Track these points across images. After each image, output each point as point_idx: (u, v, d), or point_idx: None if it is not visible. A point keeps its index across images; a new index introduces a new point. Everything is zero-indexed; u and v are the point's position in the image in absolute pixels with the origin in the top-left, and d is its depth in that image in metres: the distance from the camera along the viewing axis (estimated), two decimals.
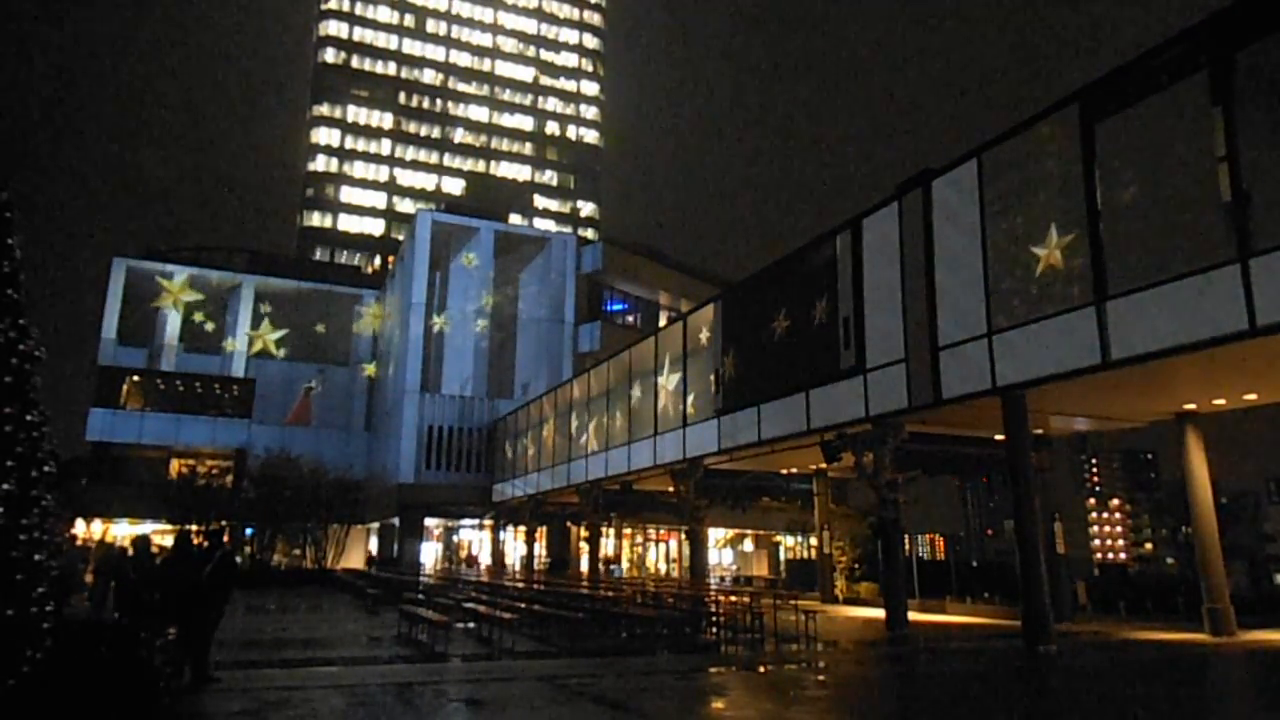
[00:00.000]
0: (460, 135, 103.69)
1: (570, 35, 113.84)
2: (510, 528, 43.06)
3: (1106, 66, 13.96)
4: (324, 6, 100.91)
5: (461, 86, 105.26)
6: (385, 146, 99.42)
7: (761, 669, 13.00)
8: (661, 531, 44.75)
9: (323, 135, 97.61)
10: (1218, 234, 11.75)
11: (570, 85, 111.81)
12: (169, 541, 17.84)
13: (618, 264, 50.06)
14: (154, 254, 58.75)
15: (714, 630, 17.41)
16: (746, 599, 19.29)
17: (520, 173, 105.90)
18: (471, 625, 18.21)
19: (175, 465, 51.28)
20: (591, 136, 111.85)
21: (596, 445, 31.11)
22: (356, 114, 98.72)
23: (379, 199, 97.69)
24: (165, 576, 11.04)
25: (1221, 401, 16.75)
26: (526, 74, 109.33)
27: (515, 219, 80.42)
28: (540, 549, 41.52)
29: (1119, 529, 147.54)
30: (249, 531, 41.41)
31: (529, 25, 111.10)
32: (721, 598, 19.95)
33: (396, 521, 43.47)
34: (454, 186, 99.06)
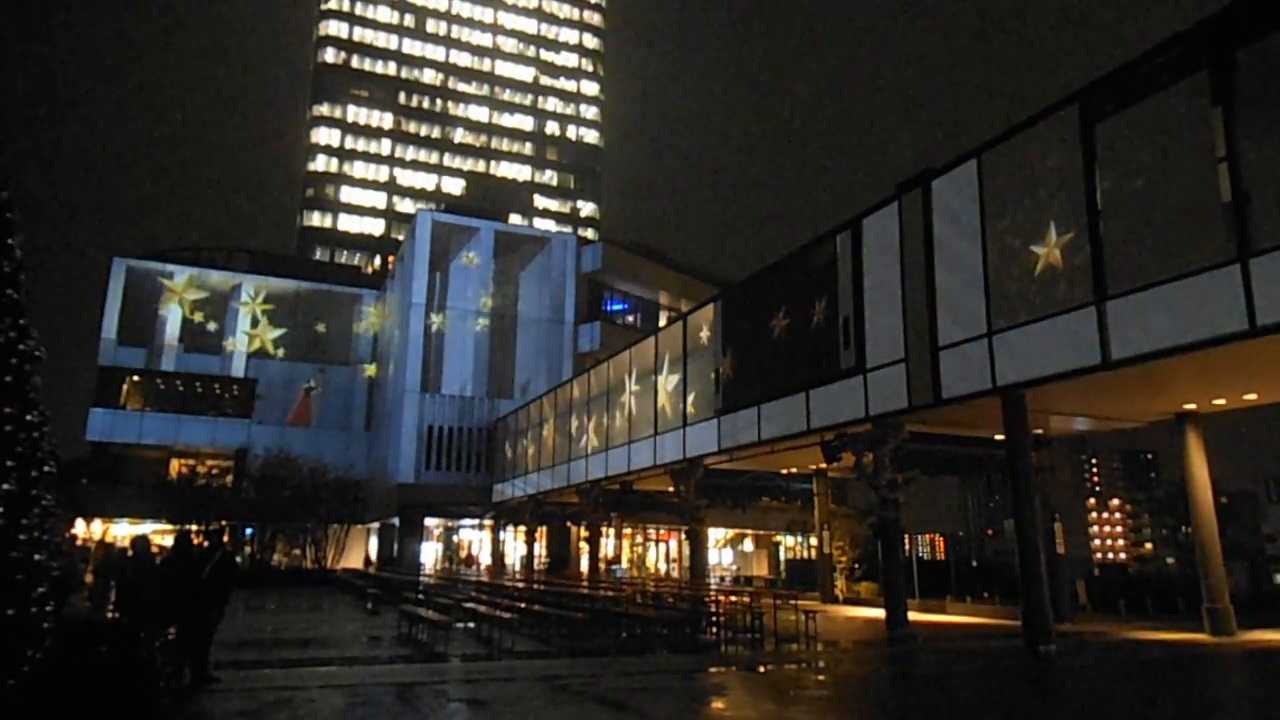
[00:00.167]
0: (460, 135, 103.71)
1: (570, 35, 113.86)
2: (510, 528, 43.06)
3: (1106, 66, 13.97)
4: (324, 6, 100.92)
5: (461, 86, 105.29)
6: (385, 146, 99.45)
7: (761, 669, 13.00)
8: (661, 531, 44.75)
9: (323, 135, 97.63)
10: (1218, 234, 11.75)
11: (570, 85, 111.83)
12: (169, 541, 17.85)
13: (618, 264, 50.07)
14: (154, 254, 58.77)
15: (714, 630, 17.41)
16: (746, 599, 19.28)
17: (520, 173, 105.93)
18: (471, 625, 18.21)
19: (175, 465, 51.28)
20: (591, 136, 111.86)
21: (596, 445, 31.11)
22: (356, 114, 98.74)
23: (379, 199, 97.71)
24: (165, 576, 11.04)
25: (1221, 401, 16.75)
26: (526, 74, 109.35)
27: (515, 219, 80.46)
28: (540, 549, 41.52)
29: (1119, 529, 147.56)
30: (249, 531, 41.42)
31: (529, 25, 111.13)
32: (721, 597, 19.95)
33: (396, 521, 43.48)
34: (454, 186, 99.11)
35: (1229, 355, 12.30)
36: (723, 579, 39.79)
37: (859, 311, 18.26)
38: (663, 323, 43.61)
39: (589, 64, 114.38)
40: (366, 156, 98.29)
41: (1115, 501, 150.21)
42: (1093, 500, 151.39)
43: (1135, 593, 22.29)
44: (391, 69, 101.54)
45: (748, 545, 48.52)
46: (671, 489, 27.51)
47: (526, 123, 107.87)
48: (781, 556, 47.22)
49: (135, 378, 53.73)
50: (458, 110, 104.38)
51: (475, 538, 48.98)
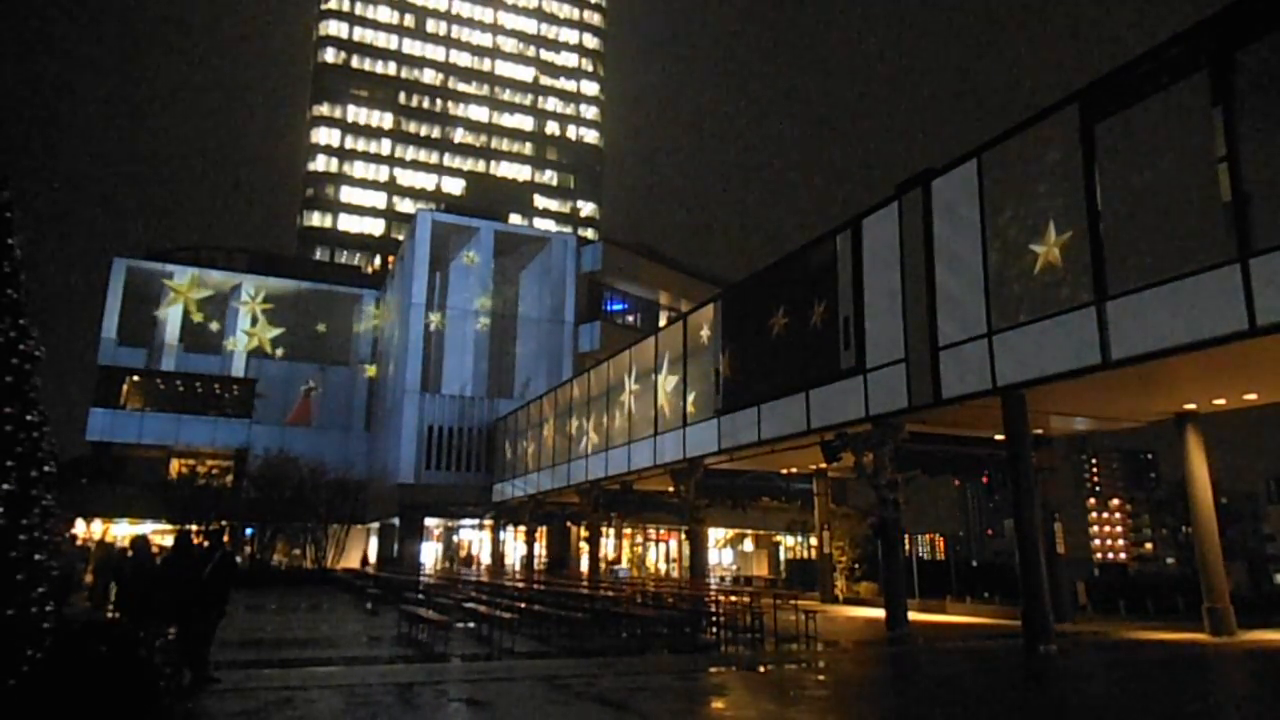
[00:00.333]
0: (460, 135, 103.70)
1: (570, 35, 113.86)
2: (510, 528, 43.06)
3: (1106, 67, 13.97)
4: (324, 6, 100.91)
5: (461, 86, 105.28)
6: (385, 146, 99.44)
7: (761, 669, 13.00)
8: (661, 531, 44.74)
9: (323, 135, 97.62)
10: (1218, 234, 11.75)
11: (570, 85, 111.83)
12: (169, 541, 17.86)
13: (618, 264, 50.07)
14: (154, 254, 58.83)
15: (714, 630, 17.41)
16: (746, 599, 19.29)
17: (520, 173, 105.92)
18: (471, 625, 18.21)
19: (175, 465, 51.31)
20: (591, 136, 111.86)
21: (596, 445, 31.11)
22: (356, 114, 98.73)
23: (379, 199, 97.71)
24: (165, 576, 11.05)
25: (1221, 401, 16.75)
26: (526, 74, 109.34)
27: (515, 219, 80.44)
28: (540, 549, 41.53)
29: (1119, 529, 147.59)
30: (249, 531, 41.41)
31: (529, 25, 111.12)
32: (721, 597, 19.95)
33: (396, 521, 43.49)
34: (454, 186, 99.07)
35: (1229, 355, 12.30)
36: (723, 579, 39.79)
37: (859, 311, 18.26)
38: (663, 323, 43.61)
39: (589, 64, 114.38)
40: (366, 156, 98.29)
41: (1115, 501, 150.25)
42: (1093, 500, 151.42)
43: (1135, 593, 22.33)
44: (391, 69, 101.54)
45: (748, 545, 48.51)
46: (671, 489, 27.51)
47: (526, 123, 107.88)
48: (781, 556, 47.23)
49: (135, 378, 53.74)
50: (458, 110, 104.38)
51: (475, 538, 48.98)
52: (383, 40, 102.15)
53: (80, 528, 41.07)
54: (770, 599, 19.60)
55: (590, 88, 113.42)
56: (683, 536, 40.51)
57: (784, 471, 29.32)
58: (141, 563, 12.78)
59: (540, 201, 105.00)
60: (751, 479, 30.87)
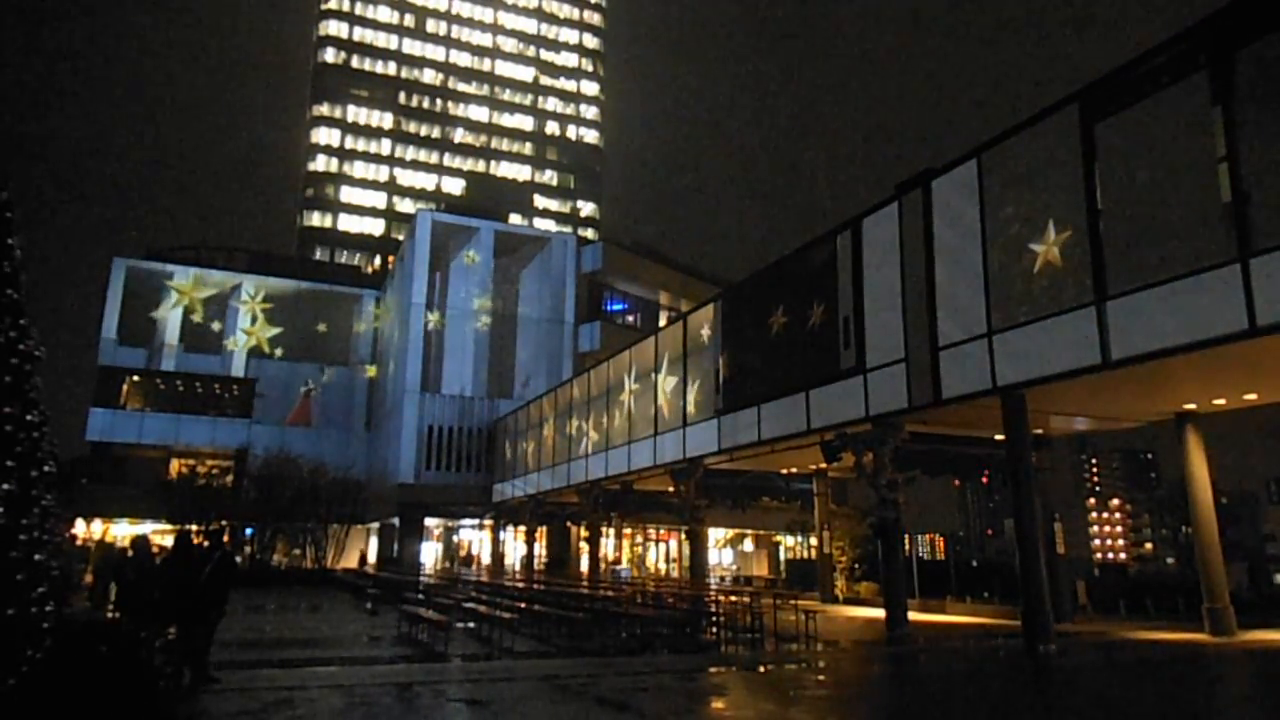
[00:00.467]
0: (460, 135, 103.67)
1: (570, 35, 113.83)
2: (510, 528, 43.06)
3: (1106, 67, 13.97)
4: (324, 6, 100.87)
5: (461, 86, 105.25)
6: (385, 146, 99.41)
7: (761, 669, 13.00)
8: (661, 531, 44.74)
9: (323, 135, 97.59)
10: (1218, 234, 11.75)
11: (570, 85, 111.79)
12: (169, 541, 17.85)
13: (618, 264, 50.07)
14: (154, 254, 58.83)
15: (714, 630, 17.41)
16: (746, 599, 19.28)
17: (520, 173, 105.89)
18: (471, 625, 18.21)
19: (175, 465, 51.30)
20: (591, 136, 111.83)
21: (596, 445, 31.11)
22: (356, 114, 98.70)
23: (379, 199, 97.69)
24: (165, 576, 11.04)
25: (1221, 401, 16.75)
26: (526, 74, 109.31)
27: (515, 219, 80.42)
28: (540, 549, 41.52)
29: (1119, 529, 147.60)
30: (249, 531, 41.41)
31: (529, 25, 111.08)
32: (721, 598, 19.95)
33: (396, 521, 43.48)
34: (454, 186, 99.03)
35: (1229, 355, 12.30)
36: (723, 579, 39.79)
37: (859, 311, 18.26)
38: (663, 323, 43.61)
39: (589, 64, 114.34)
40: (366, 156, 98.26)
41: (1115, 501, 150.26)
42: (1093, 500, 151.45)
43: (1135, 593, 22.31)
44: (391, 69, 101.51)
45: (748, 545, 48.51)
46: (671, 489, 27.51)
47: (526, 123, 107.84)
48: (781, 556, 47.22)
49: (135, 378, 53.74)
50: (458, 110, 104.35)
51: (475, 538, 48.98)
52: (383, 40, 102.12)
53: (80, 528, 41.07)
54: (770, 599, 19.61)
55: (590, 88, 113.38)
56: (683, 536, 40.50)
57: (784, 471, 29.31)
58: (142, 563, 12.78)
59: (540, 201, 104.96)
60: (751, 479, 30.85)
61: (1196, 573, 17.88)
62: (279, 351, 57.81)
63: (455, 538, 49.01)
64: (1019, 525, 14.97)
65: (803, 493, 33.59)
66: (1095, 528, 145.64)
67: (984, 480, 26.33)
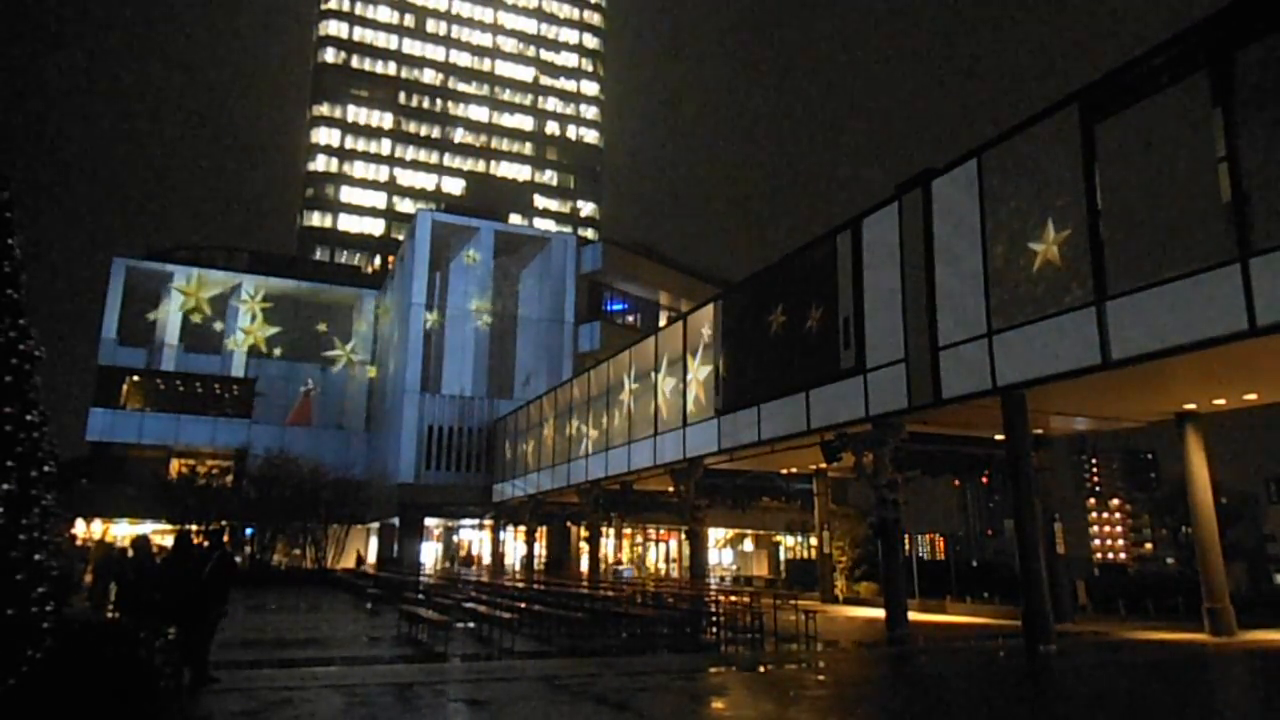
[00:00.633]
0: (460, 135, 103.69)
1: (570, 35, 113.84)
2: (510, 528, 43.06)
3: (1106, 67, 13.97)
4: (324, 6, 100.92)
5: (461, 86, 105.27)
6: (385, 146, 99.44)
7: (761, 669, 13.00)
8: (661, 531, 44.75)
9: (323, 135, 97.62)
10: (1218, 234, 11.75)
11: (570, 85, 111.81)
12: (169, 541, 17.85)
13: (618, 264, 50.07)
14: (154, 254, 58.81)
15: (714, 630, 17.41)
16: (746, 599, 19.28)
17: (520, 173, 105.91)
18: (471, 625, 18.21)
19: (175, 465, 51.27)
20: (591, 136, 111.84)
21: (596, 445, 31.11)
22: (356, 114, 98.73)
23: (379, 199, 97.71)
24: (165, 576, 11.04)
25: (1221, 401, 16.75)
26: (526, 74, 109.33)
27: (515, 219, 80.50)
28: (540, 549, 41.52)
29: (1119, 529, 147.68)
30: (249, 531, 41.41)
31: (529, 25, 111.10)
32: (721, 598, 19.96)
33: (396, 521, 43.48)
34: (454, 186, 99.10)
35: (1229, 355, 12.29)
36: (723, 579, 39.79)
37: (859, 311, 18.26)
38: (663, 323, 43.61)
39: (589, 64, 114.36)
40: (366, 156, 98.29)
41: (1115, 501, 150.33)
42: (1093, 500, 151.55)
43: (1135, 593, 22.31)
44: (391, 69, 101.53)
45: (748, 545, 48.52)
46: (671, 489, 27.51)
47: (526, 123, 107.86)
48: (781, 556, 47.22)
49: (135, 378, 53.73)
50: (458, 110, 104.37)
51: (475, 538, 48.98)
52: (383, 40, 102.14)
53: (80, 528, 41.07)
54: (770, 599, 19.60)
55: (590, 88, 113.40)
56: (683, 536, 40.51)
57: (784, 471, 29.31)
58: (142, 563, 12.78)
59: (540, 201, 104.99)
60: (751, 479, 30.86)
61: (1196, 573, 17.87)
62: (278, 351, 57.81)
63: (455, 538, 49.00)
64: (1019, 525, 14.96)
65: (803, 493, 33.61)
66: (1095, 528, 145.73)
67: (984, 480, 26.34)
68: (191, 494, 39.47)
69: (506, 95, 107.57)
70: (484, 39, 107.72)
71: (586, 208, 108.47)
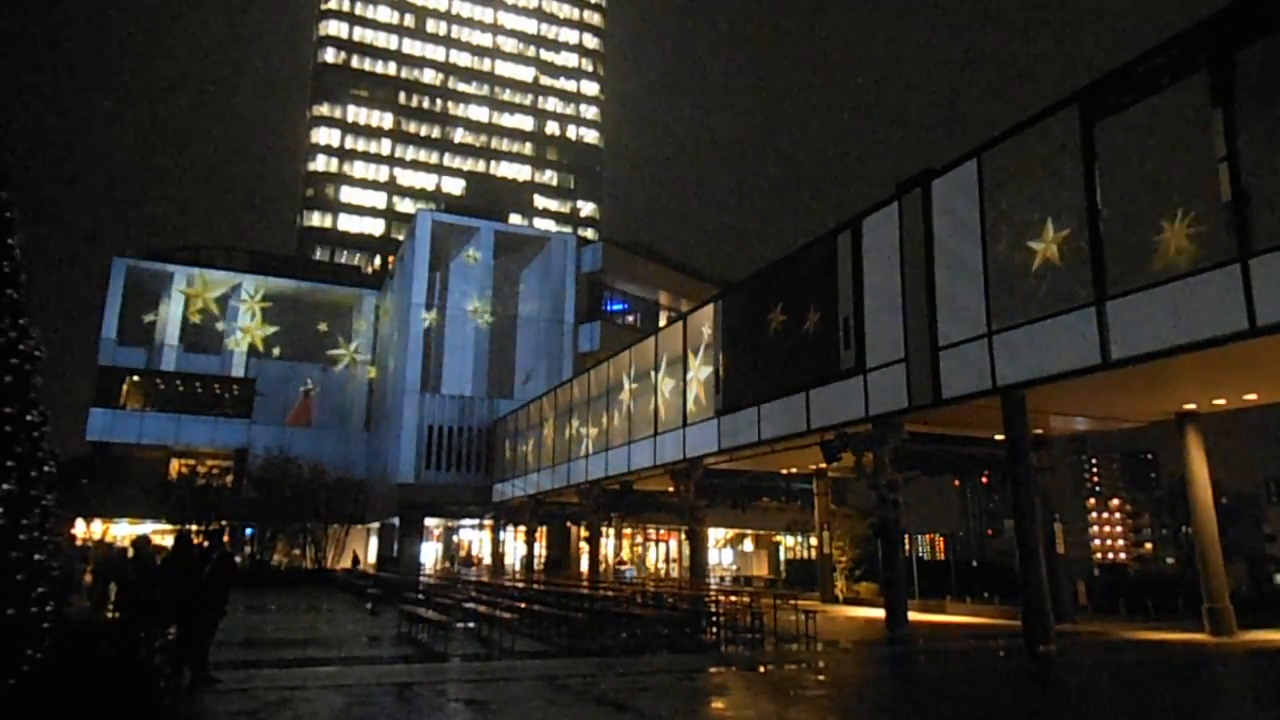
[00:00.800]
0: (460, 135, 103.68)
1: (570, 35, 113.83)
2: (510, 528, 43.06)
3: (1106, 67, 13.96)
4: (324, 6, 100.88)
5: (461, 86, 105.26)
6: (385, 146, 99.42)
7: (761, 669, 13.00)
8: (661, 531, 44.76)
9: (323, 135, 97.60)
10: (1218, 234, 11.75)
11: (570, 85, 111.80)
12: (169, 541, 17.84)
13: (618, 264, 50.07)
14: (154, 254, 58.80)
15: (714, 630, 17.40)
16: (746, 599, 19.28)
17: (520, 173, 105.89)
18: (471, 625, 18.21)
19: (175, 465, 51.29)
20: (591, 136, 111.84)
21: (596, 445, 31.11)
22: (356, 114, 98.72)
23: (379, 199, 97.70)
24: (165, 576, 11.04)
25: (1221, 401, 16.75)
26: (526, 74, 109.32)
27: (515, 219, 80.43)
28: (540, 549, 41.52)
29: (1119, 529, 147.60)
30: (249, 531, 41.41)
31: (529, 25, 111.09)
32: (721, 598, 19.94)
33: (396, 521, 43.47)
34: (454, 186, 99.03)
35: (1229, 355, 12.29)
36: (723, 579, 39.79)
37: (859, 311, 18.26)
38: (663, 323, 43.61)
39: (589, 64, 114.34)
40: (366, 156, 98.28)
41: (1115, 501, 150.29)
42: (1093, 500, 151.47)
43: (1135, 593, 22.31)
44: (391, 69, 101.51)
45: (748, 545, 48.52)
46: (671, 489, 27.51)
47: (526, 123, 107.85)
48: (781, 556, 47.22)
49: (135, 378, 53.73)
50: (458, 110, 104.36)
51: (475, 538, 48.97)
52: (383, 40, 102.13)
53: (80, 528, 41.06)
54: (770, 599, 19.60)
55: (590, 88, 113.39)
56: (683, 536, 40.51)
57: (784, 471, 29.31)
58: (142, 563, 12.78)
59: (540, 201, 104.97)
60: (751, 479, 30.87)
61: (1196, 573, 17.88)
62: (276, 350, 57.79)
63: (455, 538, 48.99)
64: (1019, 525, 14.96)
65: (803, 493, 33.60)
66: (1095, 528, 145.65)
67: (984, 480, 26.35)
68: (191, 494, 39.47)
69: (506, 95, 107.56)
70: (484, 39, 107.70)
71: (586, 208, 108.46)
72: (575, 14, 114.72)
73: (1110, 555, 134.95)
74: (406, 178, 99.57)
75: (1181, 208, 12.13)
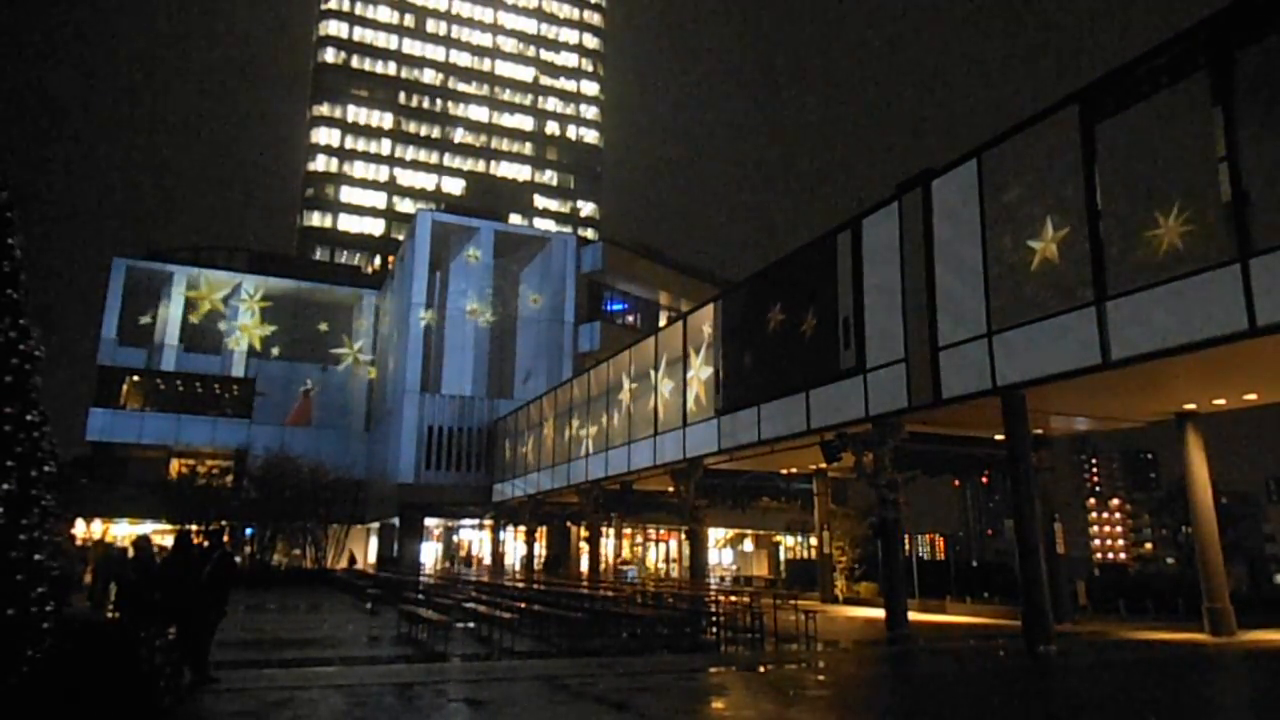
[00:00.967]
0: (460, 135, 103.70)
1: (570, 35, 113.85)
2: (510, 528, 43.05)
3: (1106, 67, 13.96)
4: (324, 6, 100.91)
5: (461, 86, 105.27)
6: (385, 146, 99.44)
7: (761, 669, 13.00)
8: (661, 531, 44.73)
9: (323, 135, 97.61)
10: (1218, 234, 11.74)
11: (570, 85, 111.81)
12: (169, 541, 17.85)
13: (618, 264, 50.06)
14: (154, 254, 58.79)
15: (714, 630, 17.40)
16: (746, 599, 19.28)
17: (520, 173, 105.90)
18: (471, 625, 18.21)
19: (175, 465, 51.29)
20: (591, 136, 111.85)
21: (596, 445, 31.10)
22: (356, 114, 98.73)
23: (379, 199, 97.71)
24: (165, 576, 11.04)
25: (1221, 401, 16.75)
26: (526, 74, 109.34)
27: (515, 219, 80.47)
28: (540, 549, 41.51)
29: (1119, 529, 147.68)
30: (249, 531, 41.40)
31: (529, 25, 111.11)
32: (721, 598, 19.94)
33: (396, 521, 43.47)
34: (454, 186, 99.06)
35: (1229, 355, 12.29)
36: (723, 579, 39.77)
37: (859, 311, 18.25)
38: (663, 323, 43.60)
39: (589, 64, 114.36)
40: (366, 156, 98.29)
41: (1115, 501, 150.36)
42: (1093, 500, 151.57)
43: (1135, 593, 22.30)
44: (391, 69, 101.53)
45: (748, 545, 48.49)
46: (671, 489, 27.50)
47: (526, 123, 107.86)
48: (781, 556, 47.19)
49: (135, 378, 53.73)
50: (458, 110, 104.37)
51: (475, 538, 48.96)
52: (383, 40, 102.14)
53: (80, 528, 41.07)
54: (770, 599, 19.59)
55: (590, 88, 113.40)
56: (683, 536, 40.50)
57: (784, 471, 29.30)
58: (142, 563, 12.77)
59: (540, 201, 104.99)
60: (751, 479, 30.87)
61: (1196, 573, 17.88)
62: (276, 350, 57.79)
63: (455, 538, 48.97)
64: (1019, 525, 14.96)
65: (803, 493, 33.57)
66: (1095, 528, 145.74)
67: (984, 480, 26.35)
68: (191, 494, 39.48)
69: (506, 95, 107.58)
70: (484, 39, 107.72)
71: (586, 208, 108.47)
72: (575, 14, 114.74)
73: (1110, 555, 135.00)
74: (406, 178, 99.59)
75: (1181, 207, 12.12)
